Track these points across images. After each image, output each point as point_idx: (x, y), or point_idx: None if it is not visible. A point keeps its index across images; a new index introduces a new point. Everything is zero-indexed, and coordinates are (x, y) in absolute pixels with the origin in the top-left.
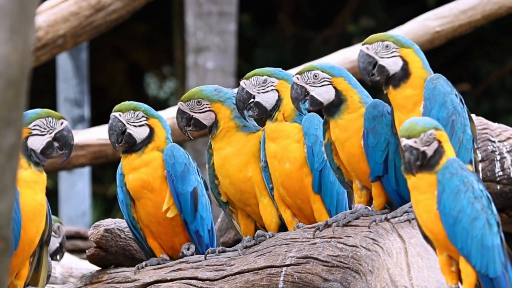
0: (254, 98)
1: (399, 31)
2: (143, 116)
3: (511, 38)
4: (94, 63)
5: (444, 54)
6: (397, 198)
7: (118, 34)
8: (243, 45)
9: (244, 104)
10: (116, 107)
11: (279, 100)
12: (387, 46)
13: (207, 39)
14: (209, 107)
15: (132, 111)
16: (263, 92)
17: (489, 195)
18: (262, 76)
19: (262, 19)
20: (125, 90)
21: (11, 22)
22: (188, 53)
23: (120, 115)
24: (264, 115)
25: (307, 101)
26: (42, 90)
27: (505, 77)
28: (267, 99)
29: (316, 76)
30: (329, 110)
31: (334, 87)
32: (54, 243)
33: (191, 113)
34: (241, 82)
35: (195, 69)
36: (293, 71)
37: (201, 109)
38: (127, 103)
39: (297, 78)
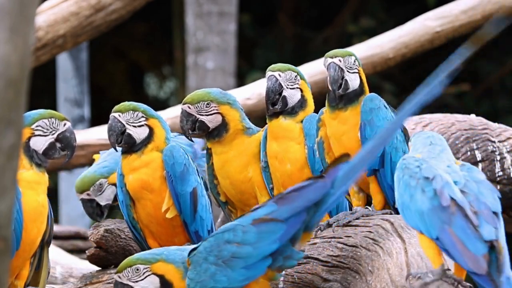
0: (282, 92)
1: (399, 31)
2: (142, 117)
3: (511, 38)
4: (94, 63)
5: (444, 54)
6: (392, 194)
7: (118, 34)
8: (243, 45)
9: (274, 95)
10: (116, 107)
11: (302, 100)
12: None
13: (207, 39)
14: (217, 110)
15: (131, 112)
16: (291, 88)
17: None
18: (294, 72)
19: (262, 19)
20: (125, 90)
21: (11, 22)
22: (188, 53)
23: (119, 115)
24: (282, 111)
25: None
26: (42, 90)
27: (505, 77)
28: (292, 96)
29: (355, 62)
30: (349, 98)
31: (360, 77)
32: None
33: (198, 116)
34: (275, 73)
35: (195, 69)
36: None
37: (208, 112)
38: (126, 103)
39: (339, 61)
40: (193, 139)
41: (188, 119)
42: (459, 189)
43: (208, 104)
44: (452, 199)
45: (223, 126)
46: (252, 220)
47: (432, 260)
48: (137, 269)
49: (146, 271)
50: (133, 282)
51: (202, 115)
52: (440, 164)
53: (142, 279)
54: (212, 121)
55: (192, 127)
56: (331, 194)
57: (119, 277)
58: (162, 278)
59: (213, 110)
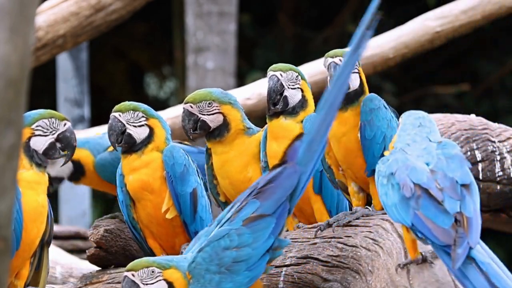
0: (283, 92)
1: (399, 31)
2: (142, 117)
3: (511, 38)
4: (94, 63)
5: (444, 54)
6: None
7: (118, 34)
8: (243, 45)
9: (276, 95)
10: (116, 107)
11: (303, 100)
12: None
13: (207, 39)
14: (218, 109)
15: (131, 111)
16: (292, 88)
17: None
18: (295, 72)
19: (262, 19)
20: (125, 90)
21: (11, 22)
22: (188, 53)
23: (120, 115)
24: (283, 111)
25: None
26: (42, 90)
27: (505, 77)
28: (293, 96)
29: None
30: (349, 98)
31: (360, 77)
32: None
33: (200, 115)
34: (277, 73)
35: (195, 69)
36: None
37: (210, 111)
38: (126, 103)
39: (340, 60)
40: None
41: (190, 119)
42: (429, 169)
43: (210, 103)
44: (415, 184)
45: (225, 126)
46: (242, 221)
47: (410, 251)
48: (153, 271)
49: (159, 275)
50: (144, 284)
51: (204, 114)
52: (415, 149)
53: (153, 283)
54: (213, 120)
55: (194, 126)
56: (304, 172)
57: (133, 275)
58: (170, 285)
59: (215, 109)
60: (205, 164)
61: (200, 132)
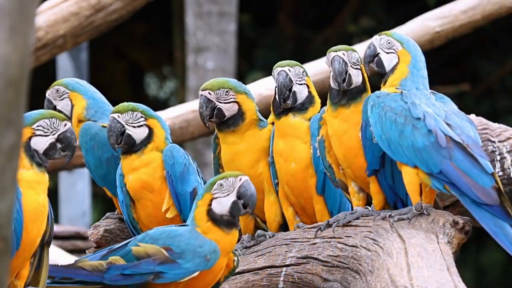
0: (292, 87)
1: (399, 31)
2: (141, 117)
3: (511, 38)
4: (94, 63)
5: (444, 54)
6: (392, 194)
7: (118, 34)
8: (243, 45)
9: (286, 89)
10: (115, 108)
11: (310, 96)
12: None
13: (207, 39)
14: (234, 98)
15: (130, 112)
16: (299, 84)
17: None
18: (301, 68)
19: (262, 19)
20: (125, 90)
21: (11, 22)
22: (188, 53)
23: (118, 116)
24: (292, 107)
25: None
26: (42, 90)
27: (505, 77)
28: (301, 91)
29: (358, 59)
30: (352, 95)
31: (362, 74)
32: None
33: (217, 103)
34: (285, 69)
35: (195, 69)
36: None
37: (227, 100)
38: (125, 104)
39: (343, 54)
40: None
41: (207, 106)
42: (444, 122)
43: (227, 91)
44: (446, 135)
45: (239, 115)
46: None
47: (412, 196)
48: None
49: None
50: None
51: (221, 102)
52: (422, 96)
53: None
54: (229, 109)
55: (211, 113)
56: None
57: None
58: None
59: (231, 98)
60: (212, 153)
61: (216, 120)
